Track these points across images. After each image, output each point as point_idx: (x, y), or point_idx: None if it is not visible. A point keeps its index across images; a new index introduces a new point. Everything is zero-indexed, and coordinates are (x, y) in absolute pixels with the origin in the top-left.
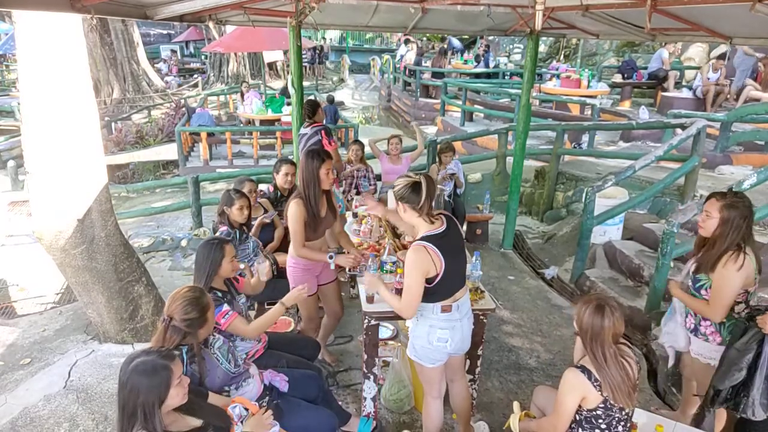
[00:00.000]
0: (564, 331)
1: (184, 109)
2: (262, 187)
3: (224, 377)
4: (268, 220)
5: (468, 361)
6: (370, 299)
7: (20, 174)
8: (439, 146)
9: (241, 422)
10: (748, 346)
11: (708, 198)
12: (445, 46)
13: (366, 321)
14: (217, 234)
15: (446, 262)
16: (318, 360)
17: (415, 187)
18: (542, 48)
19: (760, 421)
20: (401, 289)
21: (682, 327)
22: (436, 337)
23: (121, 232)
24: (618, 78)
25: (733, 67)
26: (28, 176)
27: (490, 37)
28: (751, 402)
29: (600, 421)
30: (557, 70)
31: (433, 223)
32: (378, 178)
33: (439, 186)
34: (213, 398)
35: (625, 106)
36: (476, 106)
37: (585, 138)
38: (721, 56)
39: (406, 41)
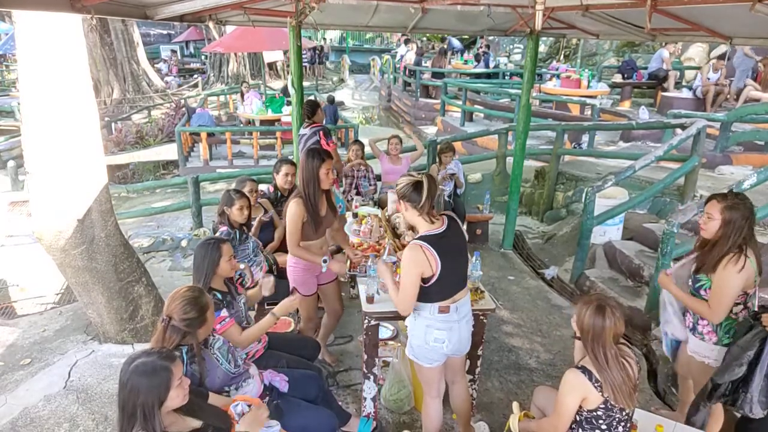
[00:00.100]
0: (564, 331)
1: (184, 109)
2: (262, 187)
3: (224, 377)
4: (266, 219)
5: (468, 361)
6: (370, 299)
7: (20, 174)
8: (439, 146)
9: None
10: (751, 343)
11: (708, 200)
12: (445, 46)
13: (366, 321)
14: (217, 234)
15: (442, 262)
16: (318, 360)
17: (416, 186)
18: (542, 48)
19: (761, 422)
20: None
21: (674, 315)
22: (432, 337)
23: (121, 232)
24: (618, 78)
25: (733, 68)
26: (28, 176)
27: (490, 37)
28: (749, 398)
29: (600, 421)
30: (557, 70)
31: (433, 222)
32: (378, 178)
33: (439, 186)
34: (213, 398)
35: (625, 106)
36: (476, 106)
37: (585, 138)
38: (721, 56)
39: (406, 41)
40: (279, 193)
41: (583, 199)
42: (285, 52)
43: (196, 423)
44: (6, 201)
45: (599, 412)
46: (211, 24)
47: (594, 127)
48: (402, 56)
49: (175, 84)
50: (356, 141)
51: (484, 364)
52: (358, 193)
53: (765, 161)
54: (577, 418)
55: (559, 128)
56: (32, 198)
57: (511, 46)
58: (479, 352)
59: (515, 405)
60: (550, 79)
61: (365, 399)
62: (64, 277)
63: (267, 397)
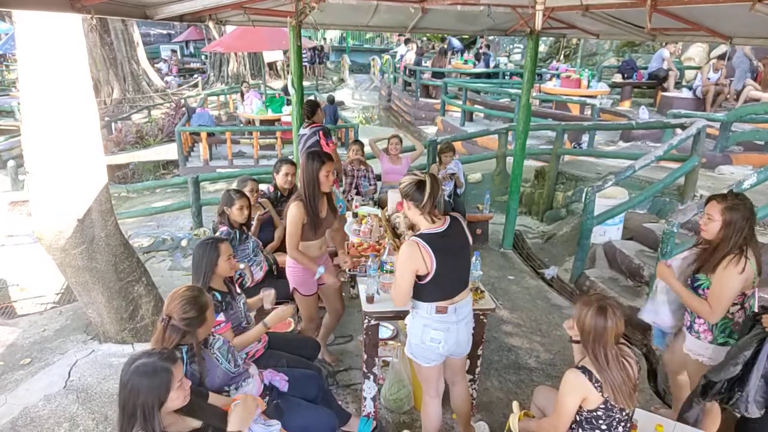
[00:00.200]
0: (564, 331)
1: (184, 109)
2: (262, 187)
3: (224, 377)
4: (264, 216)
5: (468, 361)
6: (370, 299)
7: (20, 174)
8: (439, 146)
9: None
10: (749, 343)
11: (708, 200)
12: (445, 46)
13: (366, 321)
14: (217, 234)
15: (438, 261)
16: (318, 360)
17: (419, 185)
18: (542, 48)
19: (761, 422)
20: None
21: (664, 305)
22: (429, 336)
23: (121, 232)
24: (618, 78)
25: (733, 68)
26: (28, 176)
27: (490, 37)
28: (744, 398)
29: (600, 421)
30: (557, 70)
31: (434, 222)
32: (378, 178)
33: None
34: (213, 398)
35: (625, 106)
36: (476, 106)
37: (585, 138)
38: (721, 56)
39: (406, 41)
40: (279, 193)
41: (583, 199)
42: (285, 52)
43: (196, 423)
44: (6, 201)
45: (599, 412)
46: (211, 24)
47: (594, 127)
48: (402, 56)
49: (175, 84)
50: (356, 141)
51: (484, 363)
52: (358, 193)
53: (765, 161)
54: (577, 418)
55: (559, 128)
56: (32, 198)
57: (511, 46)
58: (479, 352)
59: (515, 404)
60: (550, 79)
61: (365, 399)
62: (64, 276)
63: (267, 397)
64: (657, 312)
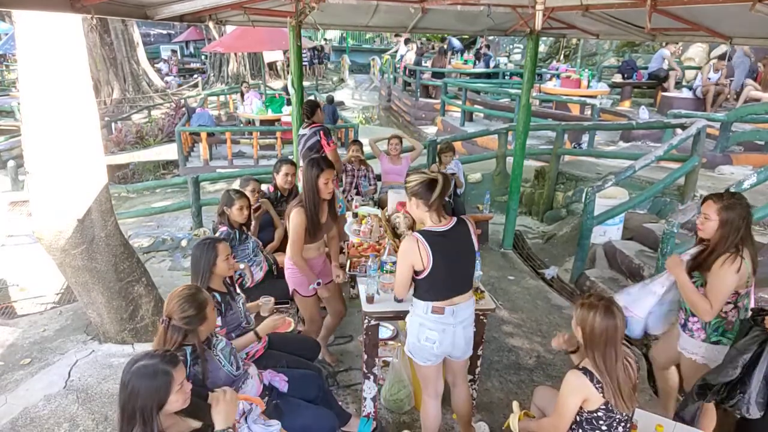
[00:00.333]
0: (564, 332)
1: (184, 109)
2: (263, 187)
3: (226, 379)
4: (256, 207)
5: (468, 361)
6: (370, 299)
7: (20, 174)
8: (439, 146)
9: (245, 418)
10: (747, 345)
11: (704, 200)
12: (445, 46)
13: (366, 321)
14: (217, 234)
15: (435, 259)
16: (318, 360)
17: (430, 184)
18: (542, 48)
19: (761, 422)
20: None
21: (653, 295)
22: (424, 336)
23: (121, 232)
24: (618, 78)
25: (733, 68)
26: (28, 176)
27: (490, 37)
28: (746, 399)
29: (600, 422)
30: (557, 70)
31: (440, 221)
32: (378, 178)
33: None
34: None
35: (625, 106)
36: (476, 106)
37: (585, 138)
38: (722, 56)
39: (406, 41)
40: (279, 193)
41: (583, 199)
42: (285, 52)
43: (197, 424)
44: (6, 201)
45: (600, 413)
46: (211, 24)
47: (594, 127)
48: (402, 56)
49: (175, 84)
50: (355, 141)
51: (484, 364)
52: (358, 193)
53: (765, 161)
54: (578, 419)
55: (559, 128)
56: (32, 198)
57: (511, 46)
58: (479, 352)
59: (515, 404)
60: (550, 79)
61: (365, 399)
62: (64, 277)
63: (267, 397)
64: (637, 300)
